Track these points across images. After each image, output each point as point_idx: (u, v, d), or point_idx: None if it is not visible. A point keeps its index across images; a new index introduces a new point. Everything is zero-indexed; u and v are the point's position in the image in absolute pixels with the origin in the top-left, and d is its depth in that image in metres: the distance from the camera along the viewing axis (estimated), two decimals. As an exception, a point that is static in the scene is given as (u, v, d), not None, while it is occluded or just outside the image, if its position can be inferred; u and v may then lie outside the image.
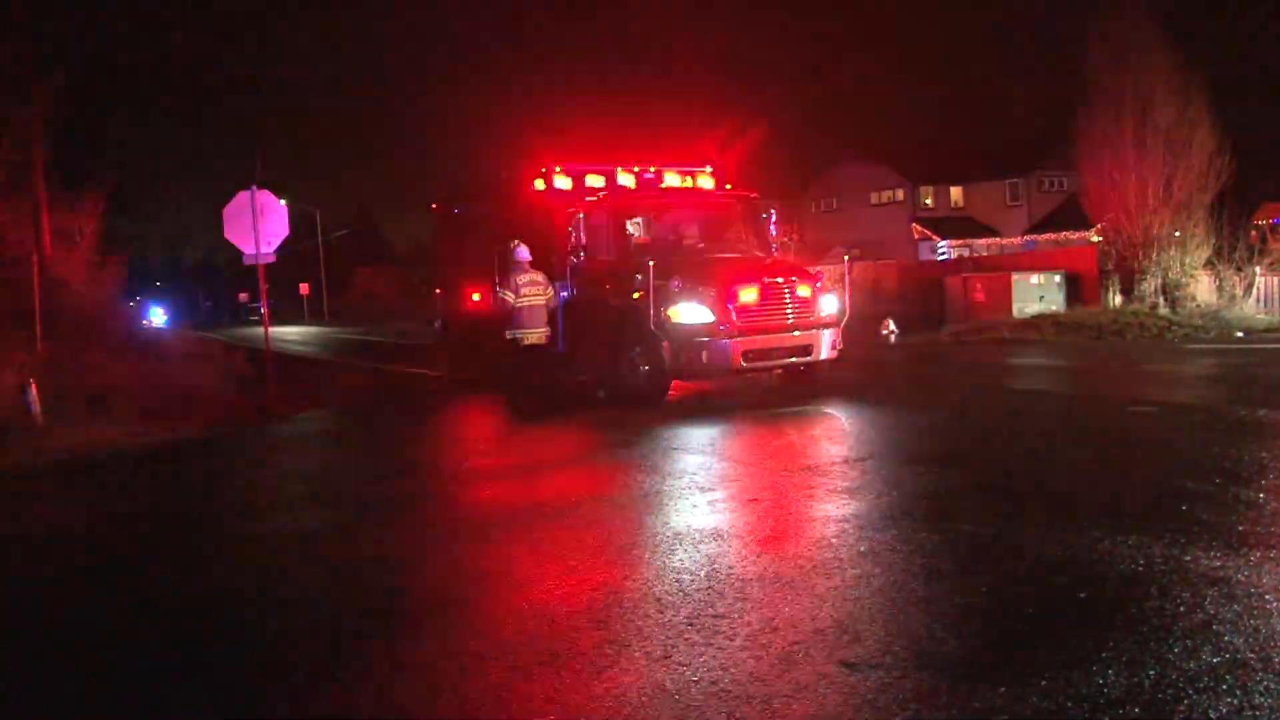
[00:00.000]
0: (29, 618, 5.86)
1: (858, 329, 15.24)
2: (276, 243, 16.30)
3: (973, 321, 24.18)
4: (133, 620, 5.63)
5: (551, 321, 13.49)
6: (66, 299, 17.31)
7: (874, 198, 58.11)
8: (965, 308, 25.61)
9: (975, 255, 44.08)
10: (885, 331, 22.22)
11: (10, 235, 16.06)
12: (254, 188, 15.97)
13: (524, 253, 13.30)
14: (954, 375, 16.13)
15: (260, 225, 15.85)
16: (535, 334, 13.13)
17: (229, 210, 16.02)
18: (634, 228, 14.51)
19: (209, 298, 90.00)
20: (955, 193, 56.97)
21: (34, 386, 13.54)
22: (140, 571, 6.72)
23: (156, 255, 72.03)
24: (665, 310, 12.46)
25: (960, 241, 51.73)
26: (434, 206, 18.75)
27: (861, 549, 5.85)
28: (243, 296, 73.48)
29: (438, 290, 18.37)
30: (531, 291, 13.12)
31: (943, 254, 51.11)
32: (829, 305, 13.21)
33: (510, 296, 13.06)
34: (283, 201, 16.34)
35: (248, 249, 15.98)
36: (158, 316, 58.91)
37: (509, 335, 13.14)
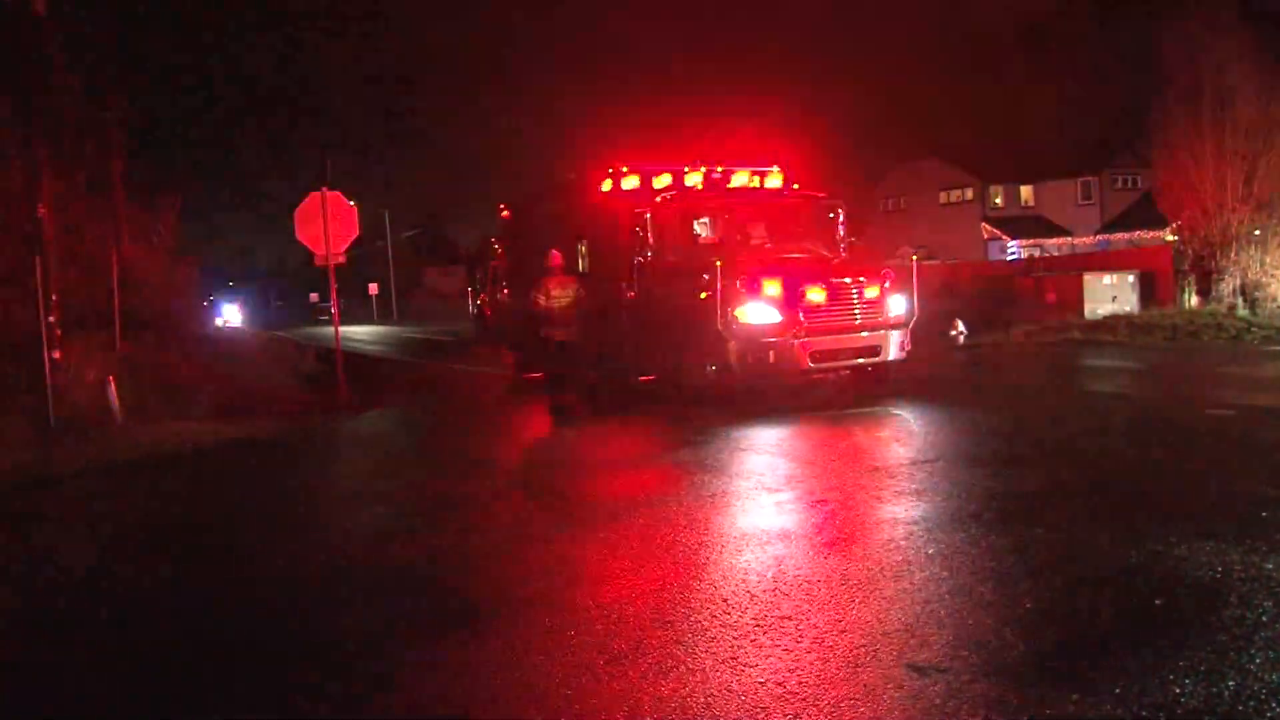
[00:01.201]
0: (97, 611, 6.00)
1: (926, 330, 15.04)
2: (346, 243, 16.56)
3: (1043, 322, 23.75)
4: (199, 615, 5.73)
5: (583, 321, 14.09)
6: (144, 299, 17.72)
7: (943, 197, 57.36)
8: (1036, 308, 25.18)
9: (1046, 255, 43.34)
10: (954, 332, 21.91)
11: (90, 237, 16.47)
12: (324, 189, 16.22)
13: (556, 258, 14.08)
14: (1025, 376, 15.86)
15: (330, 226, 16.11)
16: (564, 332, 13.83)
17: (300, 212, 16.29)
18: (701, 228, 14.47)
19: (280, 297, 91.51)
20: (1025, 191, 56.03)
21: (113, 384, 13.90)
22: (210, 565, 6.86)
23: (230, 256, 73.52)
24: (732, 310, 12.40)
25: (1031, 241, 50.87)
26: (501, 207, 18.89)
27: (930, 551, 5.77)
28: (313, 297, 74.58)
29: (474, 290, 18.63)
30: (560, 294, 13.81)
31: (1013, 254, 50.30)
32: (897, 306, 13.05)
33: (543, 299, 13.83)
34: (352, 203, 16.58)
35: (319, 250, 16.24)
36: (231, 316, 60.02)
37: (544, 334, 13.97)
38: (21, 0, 12.35)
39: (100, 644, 5.39)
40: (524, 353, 14.98)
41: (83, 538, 8.23)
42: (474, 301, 42.52)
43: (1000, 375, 16.19)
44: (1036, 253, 48.36)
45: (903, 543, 6.01)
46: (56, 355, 12.39)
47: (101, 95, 18.82)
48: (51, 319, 12.36)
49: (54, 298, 12.52)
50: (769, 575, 5.50)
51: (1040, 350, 19.98)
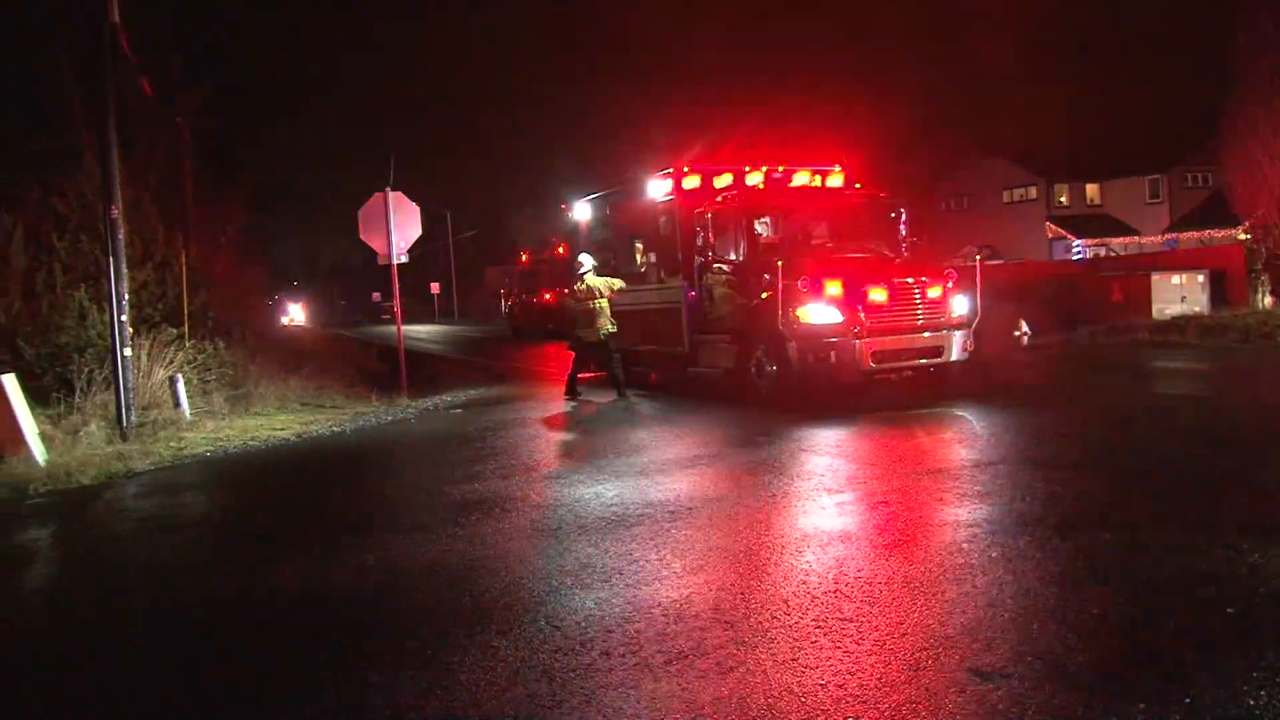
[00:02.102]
0: (155, 607, 6.13)
1: (989, 330, 14.83)
2: (409, 243, 16.74)
3: (1110, 323, 23.31)
4: (247, 612, 5.84)
5: (643, 320, 15.23)
6: (211, 298, 18.05)
7: (1006, 196, 56.63)
8: (1102, 309, 24.71)
9: (1112, 255, 42.58)
10: (1018, 333, 21.59)
11: (161, 238, 16.82)
12: (388, 190, 16.41)
13: (587, 261, 15.03)
14: (1090, 378, 15.58)
15: (394, 226, 16.30)
16: (590, 333, 14.75)
17: (364, 212, 16.51)
18: (762, 227, 14.45)
19: (344, 296, 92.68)
20: (1091, 190, 55.14)
21: (182, 381, 14.20)
22: (271, 561, 6.98)
23: (294, 254, 74.59)
24: (793, 310, 12.38)
25: (1096, 240, 50.05)
26: (563, 206, 18.99)
27: (993, 554, 5.69)
28: (375, 296, 75.45)
29: (502, 292, 18.77)
30: (586, 296, 14.71)
31: (1078, 253, 49.52)
32: (960, 306, 12.93)
33: (573, 301, 14.93)
34: (415, 203, 16.76)
35: (382, 249, 16.44)
36: (296, 315, 60.96)
37: (577, 333, 14.96)
38: (97, 6, 12.61)
39: (183, 646, 5.50)
40: (583, 352, 15.08)
41: (164, 533, 8.43)
42: (505, 302, 44.69)
43: (1065, 376, 15.92)
44: (1102, 252, 47.52)
45: (965, 545, 5.94)
46: (127, 354, 12.64)
47: (172, 100, 19.23)
48: (124, 318, 12.63)
49: (126, 297, 12.78)
50: (830, 577, 5.47)
51: (1106, 351, 19.63)
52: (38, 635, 5.84)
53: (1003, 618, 4.71)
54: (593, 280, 14.86)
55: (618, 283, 15.01)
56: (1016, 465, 8.39)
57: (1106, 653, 4.26)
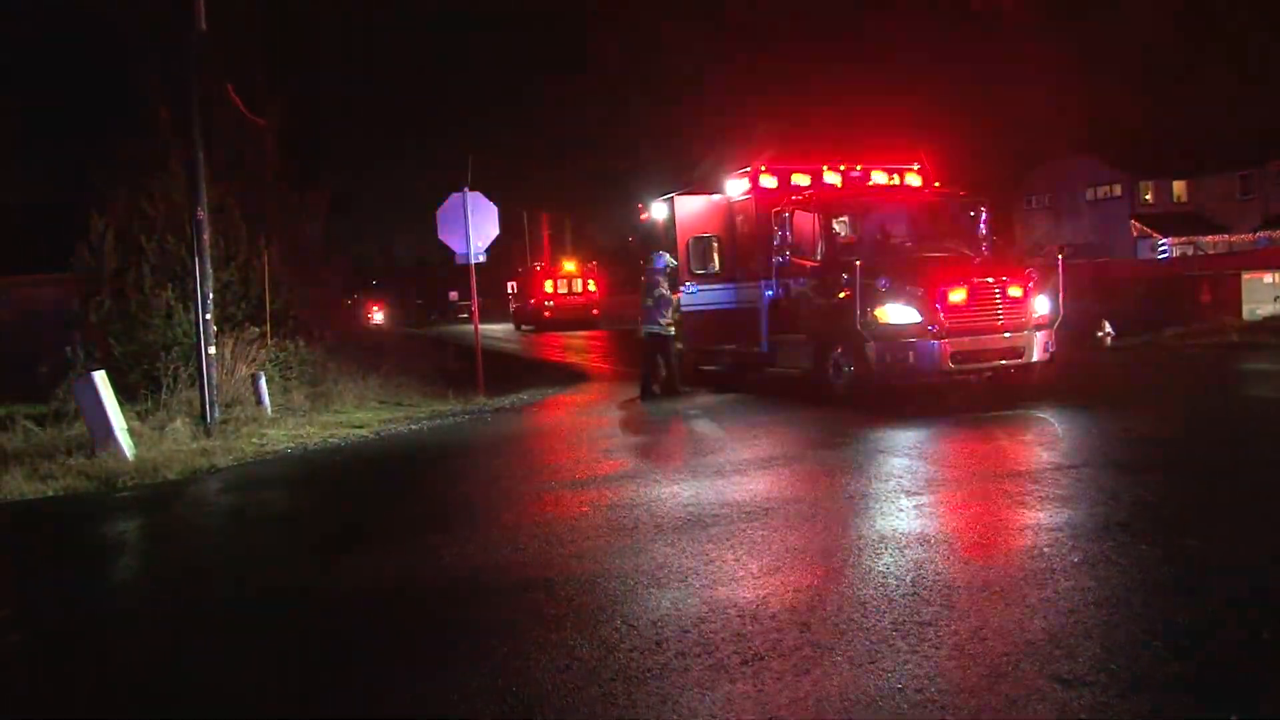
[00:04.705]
0: (237, 599, 6.29)
1: (1072, 331, 14.57)
2: (487, 243, 16.90)
3: (1197, 324, 22.71)
4: (325, 607, 5.96)
5: (722, 320, 15.53)
6: (292, 297, 18.38)
7: (1089, 193, 55.47)
8: (1189, 309, 24.09)
9: (1201, 253, 41.50)
10: (1101, 333, 21.15)
11: (243, 238, 17.19)
12: (466, 189, 16.58)
13: (662, 260, 15.20)
14: (1177, 380, 15.20)
15: (471, 226, 16.47)
16: (666, 326, 14.99)
17: (442, 211, 16.70)
18: (840, 226, 14.36)
19: (421, 296, 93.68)
20: (1179, 187, 53.76)
21: (264, 379, 14.50)
22: (350, 557, 7.11)
23: (373, 253, 75.64)
24: (872, 310, 12.31)
25: (1184, 239, 48.80)
26: (639, 206, 19.01)
27: (1075, 559, 5.60)
28: (452, 295, 76.18)
29: (510, 296, 18.83)
30: (657, 293, 14.96)
31: (1164, 252, 48.33)
32: (1041, 306, 12.73)
33: (650, 300, 15.00)
34: (493, 203, 16.92)
35: (460, 249, 16.62)
36: (374, 314, 61.90)
37: (652, 328, 15.08)
38: (185, 15, 12.93)
39: (267, 641, 5.65)
40: (654, 347, 15.20)
41: (246, 528, 8.66)
42: (513, 303, 50.41)
43: (1151, 378, 15.56)
44: (1190, 251, 46.30)
45: (1046, 550, 5.85)
46: (212, 351, 12.94)
47: (257, 106, 19.65)
48: (208, 317, 12.93)
49: (210, 296, 13.08)
50: (908, 579, 5.43)
51: (1194, 352, 19.12)
52: (126, 624, 6.02)
53: (1086, 625, 4.63)
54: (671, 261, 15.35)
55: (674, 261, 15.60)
56: (1100, 469, 8.24)
57: (1194, 662, 4.17)
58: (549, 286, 45.23)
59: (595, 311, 45.40)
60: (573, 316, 43.96)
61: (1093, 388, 13.79)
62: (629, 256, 22.79)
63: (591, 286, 46.30)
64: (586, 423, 13.48)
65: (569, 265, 46.67)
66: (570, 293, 45.39)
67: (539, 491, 8.89)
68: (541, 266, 46.01)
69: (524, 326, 47.56)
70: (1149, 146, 51.36)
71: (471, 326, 19.18)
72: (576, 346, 32.34)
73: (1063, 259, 13.59)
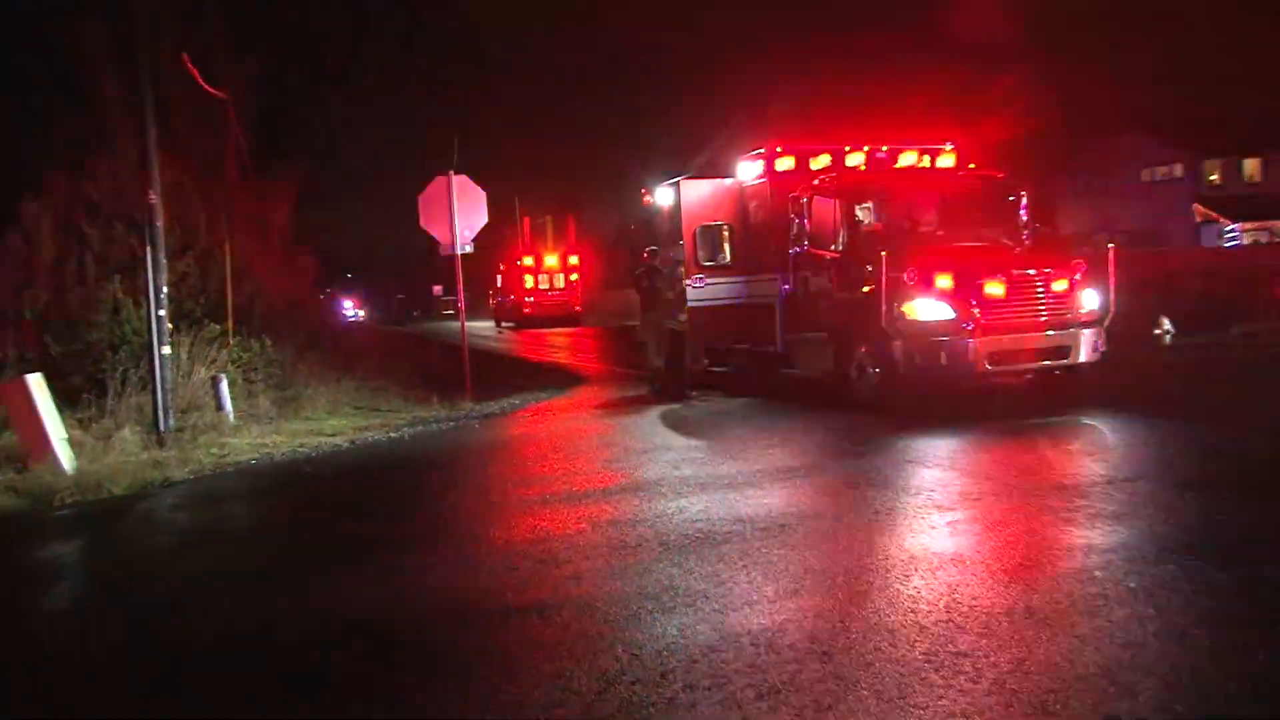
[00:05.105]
0: (190, 630, 6.27)
1: (1125, 328, 14.56)
2: (475, 231, 16.91)
3: (1271, 320, 22.71)
4: (294, 637, 5.96)
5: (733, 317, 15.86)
6: (257, 291, 18.38)
7: (1145, 174, 55.37)
8: (1261, 303, 24.08)
9: (1277, 240, 41.44)
10: (1159, 331, 21.19)
11: (201, 224, 17.16)
12: (451, 173, 16.59)
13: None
14: (1245, 384, 15.17)
15: (457, 213, 16.49)
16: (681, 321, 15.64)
17: (425, 197, 16.71)
18: (864, 213, 14.37)
19: (401, 290, 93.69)
20: (1250, 166, 53.57)
21: (225, 383, 14.48)
22: (321, 580, 7.11)
23: (348, 244, 75.46)
24: (899, 305, 12.31)
25: (1256, 224, 48.66)
26: (643, 191, 19.02)
27: (1131, 585, 5.60)
28: (436, 289, 76.31)
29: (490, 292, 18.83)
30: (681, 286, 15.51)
31: (1232, 238, 48.27)
32: (1090, 300, 12.72)
33: (673, 293, 15.69)
34: (481, 188, 16.93)
35: (444, 239, 16.63)
36: (349, 310, 61.98)
37: (667, 323, 15.80)
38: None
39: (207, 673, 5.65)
40: (673, 341, 15.40)
41: (202, 549, 8.65)
42: (493, 298, 52.07)
43: (1215, 382, 15.55)
44: (1263, 237, 46.22)
45: (1098, 574, 5.85)
46: (166, 351, 12.91)
47: (216, 77, 19.62)
48: (162, 313, 12.89)
49: (165, 290, 13.05)
50: (941, 605, 5.43)
51: (1265, 353, 19.11)
52: (58, 660, 5.95)
53: (1145, 659, 4.63)
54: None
55: None
56: (1158, 483, 8.24)
57: (1273, 710, 4.16)
58: (529, 281, 46.71)
59: (579, 308, 46.90)
60: (555, 313, 45.45)
61: (1149, 392, 13.79)
62: (632, 246, 22.75)
63: (575, 281, 47.41)
64: (584, 430, 13.49)
65: (551, 258, 47.92)
66: (552, 288, 46.71)
67: (532, 506, 8.90)
68: (521, 259, 47.25)
69: (504, 324, 49.23)
70: (1214, 122, 51.06)
71: (457, 324, 19.20)
72: (566, 345, 32.46)
73: (1114, 247, 13.60)
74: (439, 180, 16.63)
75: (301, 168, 26.14)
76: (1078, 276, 12.71)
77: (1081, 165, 57.99)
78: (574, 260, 48.05)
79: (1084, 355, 12.50)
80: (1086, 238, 39.14)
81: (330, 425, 14.49)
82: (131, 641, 6.20)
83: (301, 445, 12.96)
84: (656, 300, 16.24)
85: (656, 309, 16.24)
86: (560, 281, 46.77)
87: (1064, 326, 12.45)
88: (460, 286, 17.54)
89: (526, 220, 49.61)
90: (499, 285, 51.03)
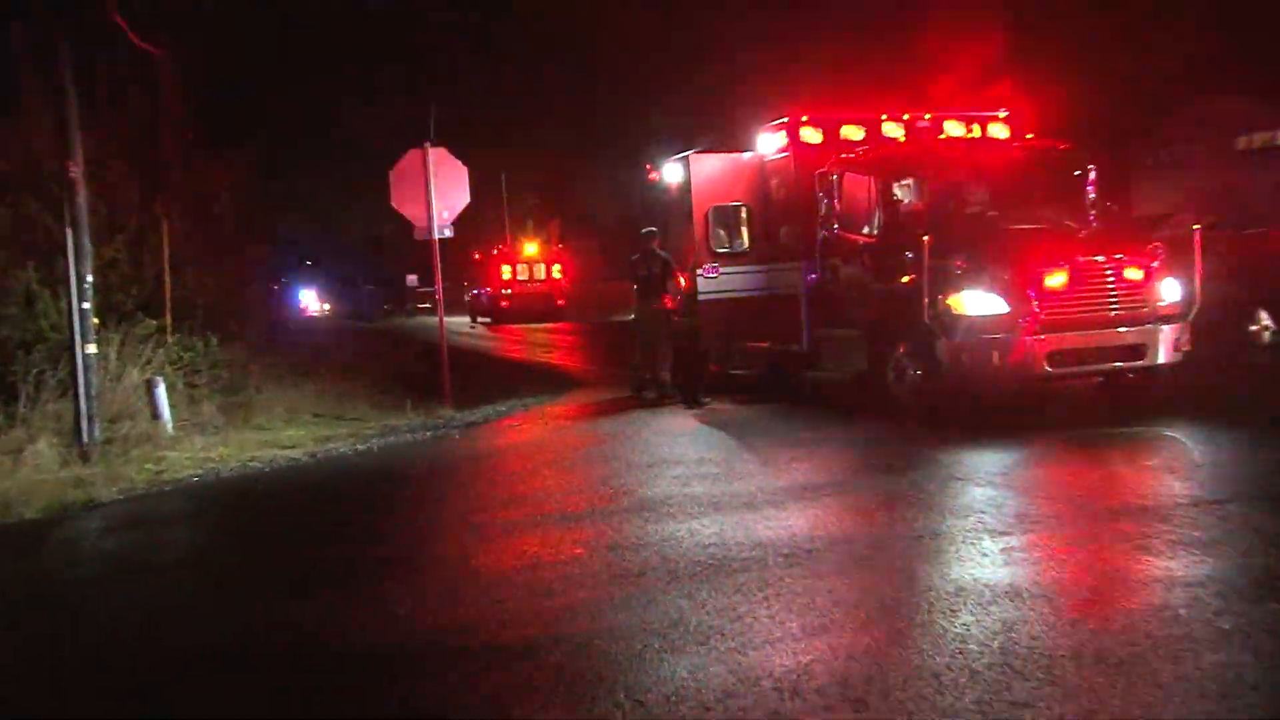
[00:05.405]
0: (114, 677, 6.22)
1: (1213, 323, 14.48)
2: (455, 213, 16.90)
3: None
4: (238, 681, 5.92)
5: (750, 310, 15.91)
6: (201, 280, 18.33)
7: (1241, 142, 55.16)
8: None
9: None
10: (1255, 327, 21.09)
11: (134, 202, 17.08)
12: (428, 145, 16.58)
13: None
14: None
15: (435, 191, 16.47)
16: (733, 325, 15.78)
17: (397, 173, 16.71)
18: (904, 191, 14.36)
19: (370, 279, 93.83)
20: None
21: (162, 387, 14.43)
22: (274, 614, 7.07)
23: (308, 227, 75.40)
24: (944, 298, 12.28)
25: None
26: (648, 167, 19.02)
27: (1224, 626, 5.53)
28: (410, 279, 76.49)
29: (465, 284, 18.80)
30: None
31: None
32: (1170, 292, 12.67)
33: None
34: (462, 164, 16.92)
35: (420, 221, 16.62)
36: (309, 302, 62.17)
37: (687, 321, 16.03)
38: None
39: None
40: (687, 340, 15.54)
41: (133, 581, 8.59)
42: (468, 291, 53.80)
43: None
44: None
45: (1183, 612, 5.79)
46: (91, 351, 12.84)
47: (151, 29, 19.54)
48: (86, 305, 12.82)
49: (89, 279, 12.98)
50: (994, 646, 5.38)
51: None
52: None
53: (1241, 713, 4.58)
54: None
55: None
56: (1254, 505, 8.21)
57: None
58: (507, 272, 48.32)
59: (561, 301, 48.02)
60: (534, 307, 46.72)
61: (1242, 399, 13.71)
62: (634, 232, 22.72)
63: (557, 272, 48.69)
64: (579, 440, 13.52)
65: (531, 247, 49.84)
66: (531, 279, 48.08)
67: (521, 529, 8.90)
68: (498, 247, 48.32)
69: (479, 319, 50.97)
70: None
71: (433, 319, 19.22)
72: (554, 344, 32.65)
73: (1200, 229, 13.53)
74: (413, 153, 16.64)
75: (256, 139, 26.13)
76: (1156, 263, 12.65)
77: (1162, 135, 57.86)
78: (558, 247, 48.83)
79: (1163, 355, 12.44)
80: (1167, 218, 38.99)
81: (287, 436, 14.49)
82: (43, 697, 6.07)
83: (253, 459, 12.96)
84: (650, 291, 16.31)
85: (650, 301, 16.31)
86: (541, 272, 47.75)
87: (1139, 322, 12.40)
88: (438, 276, 17.54)
89: (505, 194, 50.52)
90: (473, 276, 52.11)
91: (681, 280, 16.38)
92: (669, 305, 16.41)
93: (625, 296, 17.74)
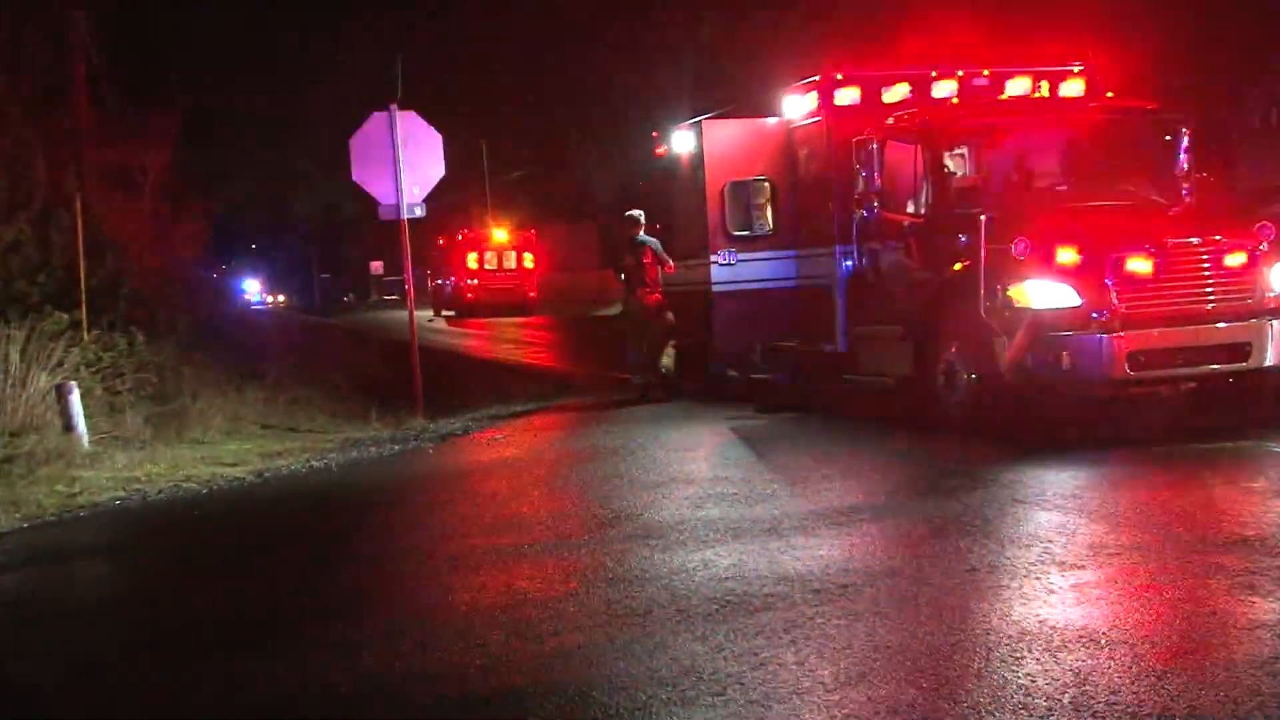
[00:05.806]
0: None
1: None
2: (428, 188, 16.91)
3: None
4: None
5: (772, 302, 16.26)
6: (123, 267, 18.34)
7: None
8: None
9: None
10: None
11: (41, 174, 17.07)
12: (393, 108, 16.59)
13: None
14: None
15: (404, 163, 16.48)
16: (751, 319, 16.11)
17: (359, 141, 16.70)
18: (957, 162, 14.36)
19: (327, 267, 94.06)
20: None
21: (77, 393, 14.41)
22: (210, 665, 7.09)
23: (253, 205, 75.49)
24: (1005, 288, 12.27)
25: None
26: (655, 136, 19.01)
27: (1347, 680, 5.56)
28: (375, 266, 76.82)
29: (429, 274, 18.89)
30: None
31: None
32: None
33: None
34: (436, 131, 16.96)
35: (386, 197, 16.61)
36: (252, 292, 62.44)
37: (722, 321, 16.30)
38: None
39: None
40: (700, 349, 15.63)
41: (36, 628, 8.55)
42: (431, 281, 55.82)
43: None
44: None
45: (1296, 663, 5.81)
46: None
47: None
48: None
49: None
50: (1065, 700, 5.39)
51: None
52: None
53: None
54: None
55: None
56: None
57: None
58: (473, 260, 50.00)
59: (532, 294, 49.60)
60: (502, 299, 48.28)
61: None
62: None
63: (528, 261, 49.95)
64: (574, 454, 13.56)
65: (499, 234, 51.05)
66: (500, 269, 49.60)
67: (506, 559, 8.93)
68: (465, 233, 49.20)
69: (443, 311, 52.65)
70: None
71: (401, 312, 19.30)
72: (533, 341, 32.88)
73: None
74: (377, 117, 16.62)
75: (186, 102, 26.16)
76: (1263, 246, 12.61)
77: (1269, 94, 57.76)
78: (529, 233, 49.46)
79: (1271, 357, 12.38)
80: (1278, 191, 38.86)
81: (229, 451, 14.52)
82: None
83: (187, 479, 12.97)
84: (635, 282, 16.47)
85: (637, 294, 16.47)
86: (511, 260, 48.43)
87: (1242, 316, 12.39)
88: (408, 263, 17.59)
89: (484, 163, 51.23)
90: (436, 264, 53.03)
91: (671, 268, 16.81)
92: (650, 302, 16.51)
93: (606, 288, 17.81)
